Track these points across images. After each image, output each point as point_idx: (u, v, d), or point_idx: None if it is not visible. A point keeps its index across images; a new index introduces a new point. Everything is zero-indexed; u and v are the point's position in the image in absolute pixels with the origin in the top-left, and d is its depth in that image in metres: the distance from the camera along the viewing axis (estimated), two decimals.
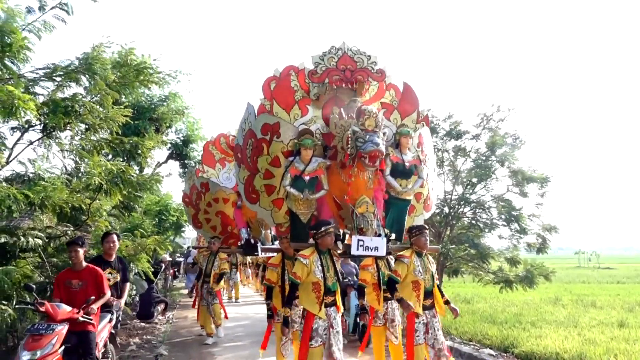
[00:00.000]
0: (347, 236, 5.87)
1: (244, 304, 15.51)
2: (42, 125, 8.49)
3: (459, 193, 13.54)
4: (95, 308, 5.56)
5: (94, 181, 8.32)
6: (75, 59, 8.50)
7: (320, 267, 5.33)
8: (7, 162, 8.47)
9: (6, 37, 7.13)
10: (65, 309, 5.24)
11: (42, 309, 5.13)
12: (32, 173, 8.73)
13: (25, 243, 7.69)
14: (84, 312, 5.41)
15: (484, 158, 13.12)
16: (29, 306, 5.49)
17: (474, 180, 13.20)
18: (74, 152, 9.16)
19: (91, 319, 5.48)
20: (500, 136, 13.05)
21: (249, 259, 16.87)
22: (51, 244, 8.74)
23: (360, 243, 5.50)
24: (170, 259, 14.05)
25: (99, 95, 8.72)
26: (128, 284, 6.82)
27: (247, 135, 6.19)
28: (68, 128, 8.64)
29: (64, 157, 9.22)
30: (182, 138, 16.98)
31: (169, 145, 16.73)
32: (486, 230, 13.48)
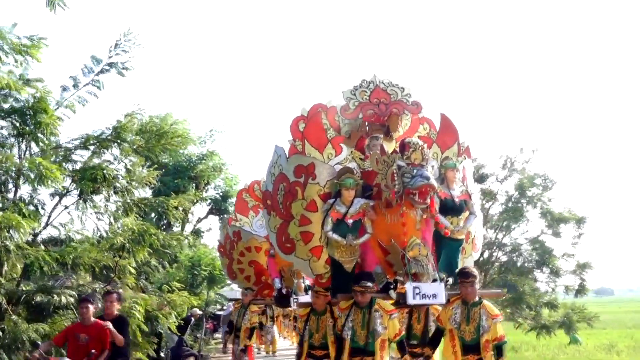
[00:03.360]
0: (398, 284, 4.81)
1: (280, 357, 14.23)
2: (79, 190, 8.75)
3: (491, 237, 12.47)
4: None
5: (117, 241, 8.50)
6: (105, 128, 8.97)
7: (350, 324, 4.52)
8: (46, 225, 8.78)
9: (38, 116, 7.77)
10: None
11: None
12: (64, 235, 8.93)
13: (58, 301, 7.82)
14: None
15: (514, 201, 12.12)
16: None
17: (506, 223, 12.15)
18: (108, 213, 9.39)
19: None
20: (528, 178, 12.10)
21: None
22: None
23: (417, 291, 4.50)
24: (201, 312, 13.13)
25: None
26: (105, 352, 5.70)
27: (278, 179, 5.33)
28: (99, 192, 8.90)
29: (99, 219, 9.42)
30: (221, 194, 17.07)
31: (209, 201, 16.83)
32: (521, 275, 12.31)
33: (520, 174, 12.23)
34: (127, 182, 9.10)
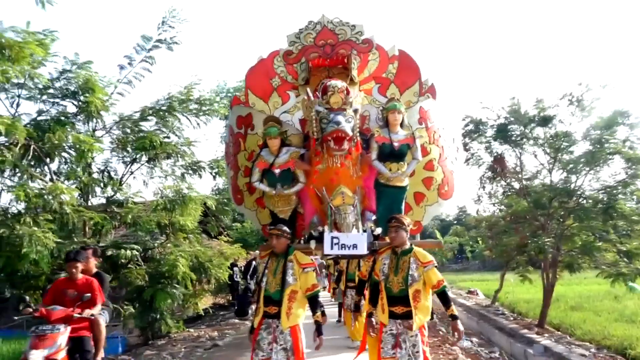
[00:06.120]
0: (326, 233, 4.31)
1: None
2: (147, 157, 9.54)
3: (568, 182, 10.88)
4: (88, 312, 4.87)
5: (157, 202, 9.00)
6: (157, 100, 9.56)
7: (265, 271, 4.07)
8: (119, 189, 9.50)
9: (85, 95, 8.36)
10: (59, 310, 4.75)
11: (37, 314, 4.73)
12: (124, 198, 9.40)
13: (125, 255, 8.44)
14: (79, 309, 4.81)
15: (592, 142, 10.38)
16: (28, 315, 4.97)
17: (585, 168, 10.46)
18: (173, 177, 9.88)
19: (86, 317, 4.87)
20: (609, 117, 10.25)
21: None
22: (147, 254, 9.52)
23: (335, 241, 4.05)
24: None
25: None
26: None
27: (228, 131, 5.09)
28: (159, 158, 9.52)
29: (161, 183, 9.97)
30: None
31: None
32: (596, 221, 10.62)
33: (590, 114, 10.37)
34: (178, 148, 9.48)
